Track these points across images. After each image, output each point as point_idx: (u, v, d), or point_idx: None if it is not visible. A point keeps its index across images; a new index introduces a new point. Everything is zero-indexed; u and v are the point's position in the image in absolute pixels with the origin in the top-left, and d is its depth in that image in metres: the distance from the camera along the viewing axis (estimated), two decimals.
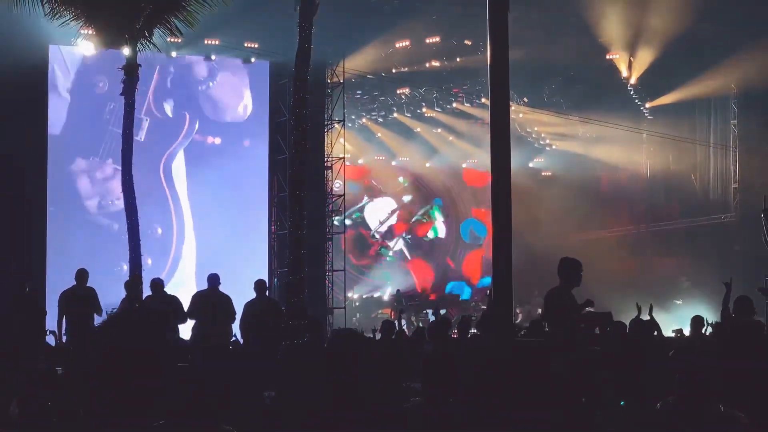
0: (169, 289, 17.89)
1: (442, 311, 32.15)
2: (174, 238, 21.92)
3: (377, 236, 35.28)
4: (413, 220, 35.87)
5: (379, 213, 35.35)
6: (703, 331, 16.15)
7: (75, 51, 20.69)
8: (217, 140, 21.87)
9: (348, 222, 32.07)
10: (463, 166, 36.48)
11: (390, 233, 35.26)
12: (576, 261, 12.36)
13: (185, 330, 18.71)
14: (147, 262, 18.21)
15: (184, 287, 21.08)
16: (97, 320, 17.26)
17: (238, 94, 21.83)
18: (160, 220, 21.82)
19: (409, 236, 35.71)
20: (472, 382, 9.78)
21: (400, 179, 35.78)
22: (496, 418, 9.25)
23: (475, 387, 9.66)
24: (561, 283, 12.26)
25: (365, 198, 34.98)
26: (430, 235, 36.03)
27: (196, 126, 21.29)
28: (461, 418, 7.70)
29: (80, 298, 17.18)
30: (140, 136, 18.30)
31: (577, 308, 12.19)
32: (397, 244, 35.52)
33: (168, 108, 20.48)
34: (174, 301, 17.54)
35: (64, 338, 17.29)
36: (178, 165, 21.57)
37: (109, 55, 17.41)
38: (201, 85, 21.20)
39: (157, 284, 17.43)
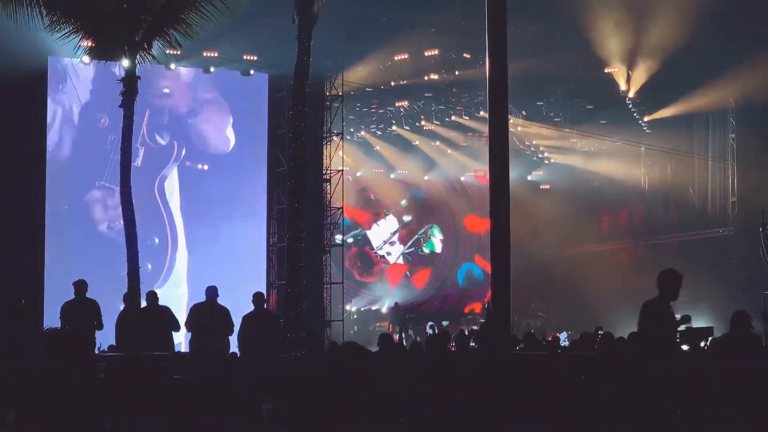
0: (166, 291, 17.99)
1: (444, 323, 32.20)
2: (169, 247, 22.56)
3: (380, 254, 35.34)
4: (414, 238, 35.92)
5: (382, 233, 35.42)
6: (701, 345, 16.13)
7: (78, 88, 21.14)
8: (206, 167, 22.82)
9: (350, 240, 32.10)
10: (462, 178, 36.50)
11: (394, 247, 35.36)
12: (677, 273, 11.92)
13: (183, 340, 18.78)
14: (147, 267, 18.34)
15: (177, 290, 22.08)
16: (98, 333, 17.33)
17: (221, 129, 22.57)
18: (157, 231, 22.36)
19: (409, 251, 35.70)
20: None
21: (403, 202, 35.78)
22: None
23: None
24: (659, 296, 11.94)
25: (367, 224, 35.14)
26: (426, 249, 36.00)
27: (183, 152, 22.23)
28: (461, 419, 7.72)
29: (80, 309, 17.16)
30: (137, 162, 19.22)
31: (675, 323, 11.92)
32: (398, 259, 35.55)
33: (159, 138, 21.31)
34: (166, 311, 17.67)
35: None
36: (172, 183, 22.37)
37: (109, 92, 17.42)
38: (189, 119, 22.01)
39: (152, 295, 17.60)
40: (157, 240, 22.11)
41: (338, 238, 26.25)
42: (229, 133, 22.02)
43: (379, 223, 35.23)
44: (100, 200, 21.08)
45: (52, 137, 21.15)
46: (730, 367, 11.29)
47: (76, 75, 20.81)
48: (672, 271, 12.08)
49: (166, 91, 21.97)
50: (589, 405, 11.46)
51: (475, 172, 35.87)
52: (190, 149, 22.01)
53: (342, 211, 26.91)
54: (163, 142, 21.23)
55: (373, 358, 5.85)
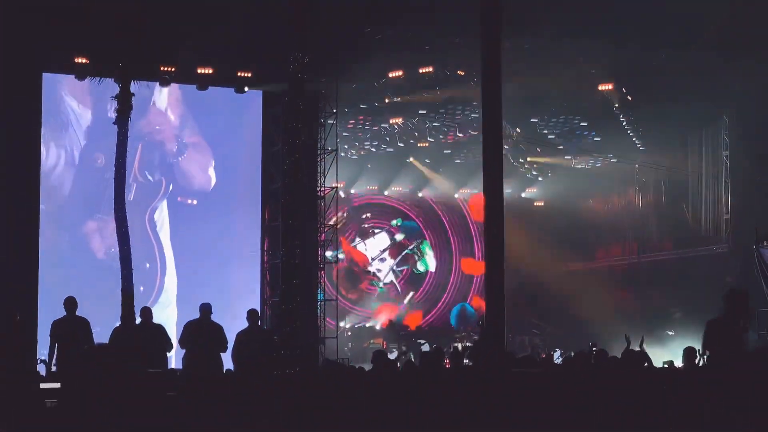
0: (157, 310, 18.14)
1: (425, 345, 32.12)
2: (158, 269, 23.21)
3: (369, 271, 35.22)
4: (404, 253, 35.79)
5: (371, 251, 35.32)
6: (696, 362, 16.11)
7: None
8: (194, 201, 23.62)
9: (341, 256, 32.04)
10: (456, 196, 36.49)
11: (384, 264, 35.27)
12: (745, 293, 11.95)
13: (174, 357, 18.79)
14: (139, 289, 18.62)
15: (166, 310, 22.81)
16: None
17: (204, 169, 23.33)
18: (147, 253, 22.93)
19: (400, 269, 35.62)
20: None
21: (395, 222, 35.73)
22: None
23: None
24: (726, 314, 11.93)
25: (357, 239, 34.99)
26: (420, 267, 35.94)
27: (171, 188, 23.17)
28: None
29: (70, 327, 17.16)
30: (130, 196, 20.08)
31: (738, 341, 11.90)
32: (388, 276, 35.44)
33: (149, 175, 22.37)
34: (160, 329, 17.72)
35: (54, 368, 17.27)
36: (162, 211, 23.21)
37: (105, 135, 18.67)
38: (173, 158, 22.95)
39: (146, 312, 17.65)
40: (148, 265, 22.81)
41: (329, 254, 26.24)
42: (211, 172, 23.11)
43: (366, 242, 35.14)
44: (96, 230, 21.87)
45: (54, 179, 22.12)
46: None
47: (78, 122, 21.75)
48: (739, 291, 12.15)
49: (158, 127, 22.83)
50: None
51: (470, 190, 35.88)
52: (176, 186, 23.10)
53: (335, 228, 26.90)
54: (151, 179, 22.51)
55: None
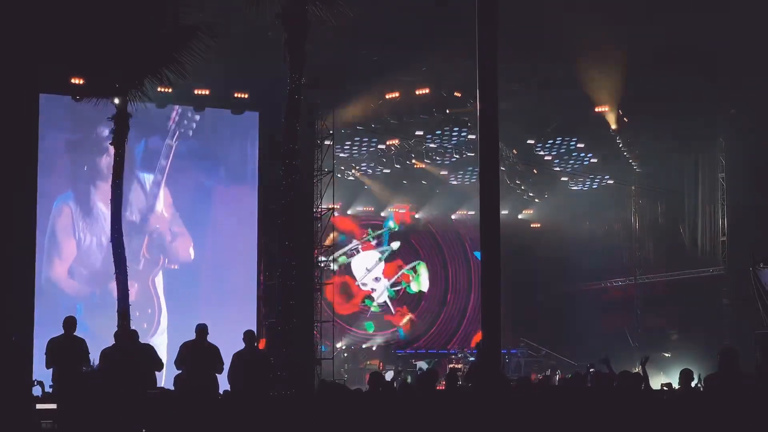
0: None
1: (428, 361, 32.08)
2: (156, 313, 25.08)
3: (362, 286, 35.18)
4: (399, 274, 35.76)
5: (366, 262, 35.26)
6: (692, 384, 16.08)
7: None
8: (176, 266, 25.67)
9: (335, 267, 31.97)
10: (453, 217, 36.51)
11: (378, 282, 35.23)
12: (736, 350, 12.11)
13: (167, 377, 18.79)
14: (135, 314, 19.05)
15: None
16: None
17: (186, 249, 25.59)
18: (150, 306, 24.97)
19: (395, 289, 35.59)
20: None
21: (394, 245, 35.73)
22: None
23: None
24: (722, 370, 11.99)
25: (354, 241, 34.92)
26: (414, 287, 35.91)
27: (165, 261, 25.47)
28: None
29: (67, 348, 17.12)
30: (139, 267, 24.32)
31: None
32: (382, 296, 35.39)
33: (152, 254, 25.45)
34: (149, 348, 17.72)
35: (50, 389, 17.23)
36: (160, 277, 25.39)
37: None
38: (168, 243, 25.58)
39: (132, 333, 17.66)
40: (149, 310, 24.86)
41: (322, 258, 26.26)
42: (191, 250, 25.64)
43: (362, 252, 35.09)
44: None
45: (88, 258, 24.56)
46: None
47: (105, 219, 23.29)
48: (729, 348, 12.19)
49: (158, 226, 25.39)
50: None
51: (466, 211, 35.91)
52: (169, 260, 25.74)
53: (332, 250, 26.97)
54: (152, 256, 25.37)
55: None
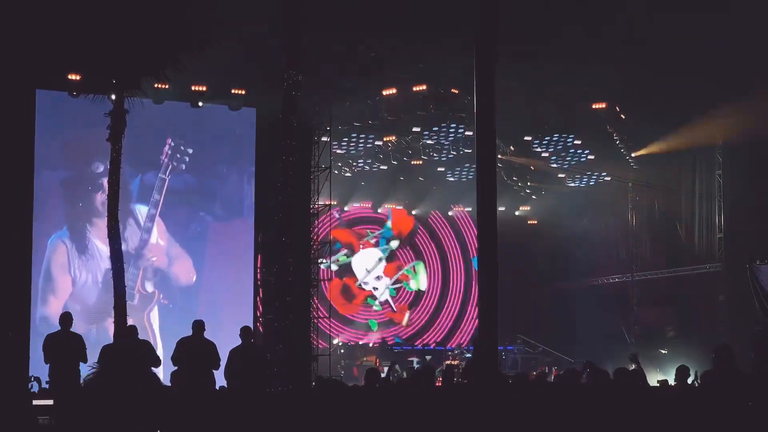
0: None
1: (427, 357, 32.11)
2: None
3: (364, 286, 35.22)
4: (399, 273, 35.80)
5: (365, 262, 35.30)
6: (688, 381, 16.11)
7: None
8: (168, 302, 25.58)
9: (334, 267, 32.00)
10: (450, 213, 36.55)
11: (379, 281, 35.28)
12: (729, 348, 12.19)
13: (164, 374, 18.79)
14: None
15: None
16: (83, 367, 17.35)
17: (188, 271, 25.57)
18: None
19: (395, 287, 35.62)
20: None
21: (393, 244, 35.73)
22: None
23: None
24: (716, 367, 12.04)
25: (344, 251, 34.97)
26: (413, 286, 35.93)
27: (161, 297, 25.51)
28: None
29: (64, 344, 17.17)
30: (134, 302, 24.44)
31: None
32: (384, 295, 35.44)
33: (147, 288, 25.51)
34: (146, 345, 17.76)
35: (46, 384, 17.28)
36: (155, 313, 25.43)
37: None
38: (165, 269, 25.64)
39: (131, 330, 17.68)
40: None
41: (322, 262, 26.26)
42: (191, 273, 25.66)
43: (362, 251, 35.13)
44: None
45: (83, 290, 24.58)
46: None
47: (101, 256, 24.17)
48: (723, 346, 12.39)
49: (153, 258, 25.45)
50: None
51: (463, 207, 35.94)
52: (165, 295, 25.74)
53: (329, 246, 26.97)
54: (149, 291, 25.50)
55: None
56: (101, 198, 23.72)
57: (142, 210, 25.00)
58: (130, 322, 21.49)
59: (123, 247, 20.73)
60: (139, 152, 24.05)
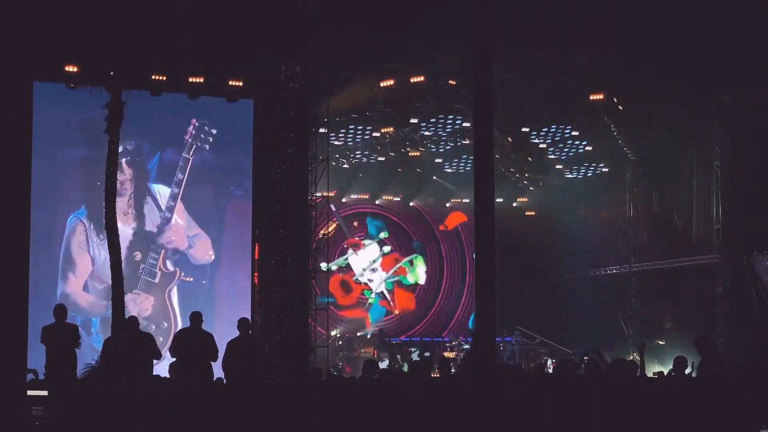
0: None
1: (426, 354, 32.09)
2: (172, 326, 25.27)
3: (361, 281, 35.19)
4: (396, 267, 35.74)
5: (362, 260, 35.27)
6: (686, 372, 16.12)
7: None
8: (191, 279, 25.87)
9: (334, 268, 32.02)
10: (447, 205, 36.53)
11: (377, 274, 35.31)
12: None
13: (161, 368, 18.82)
14: (151, 327, 19.65)
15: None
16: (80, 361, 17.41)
17: (206, 251, 25.88)
18: (166, 318, 25.37)
19: (392, 280, 35.59)
20: None
21: (382, 234, 35.69)
22: None
23: None
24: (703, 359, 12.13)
25: (349, 250, 34.94)
26: (411, 279, 35.90)
27: (182, 274, 25.69)
28: None
29: (60, 334, 17.23)
30: (156, 280, 25.10)
31: None
32: (380, 287, 35.39)
33: (169, 267, 25.69)
34: (149, 337, 17.75)
35: (43, 376, 17.33)
36: (175, 291, 25.63)
37: None
38: (186, 250, 25.87)
39: (133, 321, 17.70)
40: (165, 324, 25.23)
41: (323, 265, 26.23)
42: (210, 252, 25.83)
43: (358, 252, 35.14)
44: (131, 300, 24.51)
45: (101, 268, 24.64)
46: None
47: None
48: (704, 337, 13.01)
49: (173, 238, 25.58)
50: None
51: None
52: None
53: (327, 237, 26.97)
54: (171, 269, 25.67)
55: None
56: (119, 177, 23.72)
57: (160, 189, 25.21)
58: (151, 300, 24.51)
59: (143, 226, 20.55)
60: (159, 129, 24.82)
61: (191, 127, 25.32)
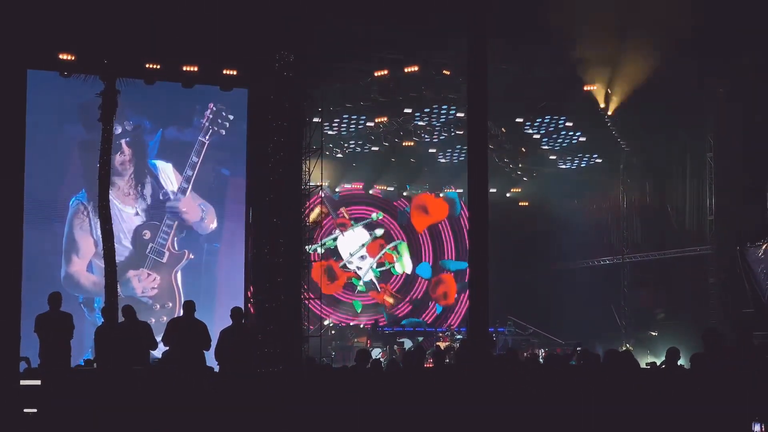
0: None
1: (419, 338, 32.15)
2: (177, 306, 25.39)
3: (348, 265, 35.11)
4: (382, 252, 35.69)
5: (350, 245, 35.18)
6: (678, 363, 16.13)
7: None
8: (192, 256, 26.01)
9: (320, 250, 31.94)
10: (440, 195, 36.54)
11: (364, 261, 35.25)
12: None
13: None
14: (155, 306, 19.62)
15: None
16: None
17: (211, 221, 26.23)
18: (171, 299, 25.65)
19: (379, 269, 35.56)
20: None
21: (374, 215, 35.66)
22: None
23: None
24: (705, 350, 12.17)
25: (337, 231, 34.89)
26: (398, 269, 35.87)
27: (191, 256, 25.98)
28: None
29: (54, 322, 17.20)
30: (163, 260, 25.47)
31: None
32: (367, 275, 35.33)
33: (177, 249, 25.99)
34: (146, 327, 17.72)
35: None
36: (180, 272, 25.90)
37: None
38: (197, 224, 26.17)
39: (129, 310, 17.65)
40: (170, 304, 25.55)
41: (310, 247, 26.29)
42: (214, 223, 26.10)
43: (345, 234, 35.06)
44: (136, 276, 25.41)
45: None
46: None
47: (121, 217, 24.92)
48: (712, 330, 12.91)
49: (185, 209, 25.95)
50: None
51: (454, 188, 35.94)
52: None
53: (320, 226, 26.96)
54: (178, 251, 25.94)
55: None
56: (119, 159, 24.42)
57: (161, 165, 25.37)
58: (158, 280, 24.89)
59: (143, 204, 20.60)
60: (160, 106, 24.95)
61: (208, 111, 25.59)
